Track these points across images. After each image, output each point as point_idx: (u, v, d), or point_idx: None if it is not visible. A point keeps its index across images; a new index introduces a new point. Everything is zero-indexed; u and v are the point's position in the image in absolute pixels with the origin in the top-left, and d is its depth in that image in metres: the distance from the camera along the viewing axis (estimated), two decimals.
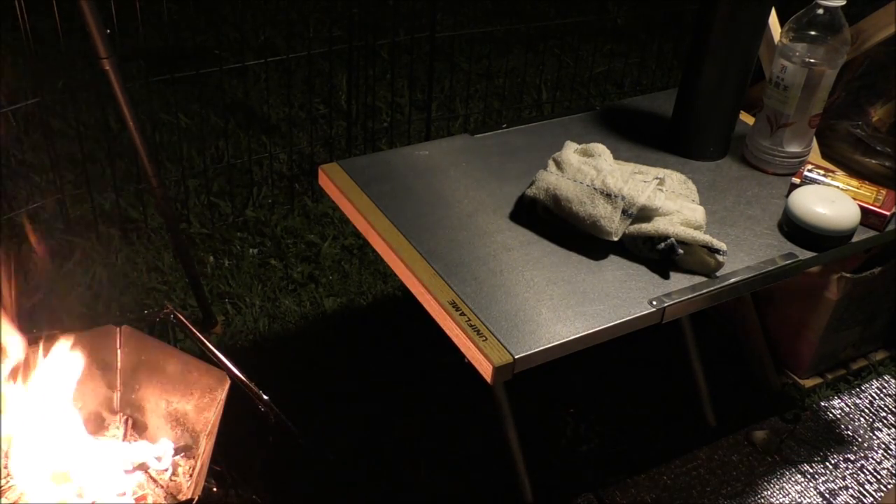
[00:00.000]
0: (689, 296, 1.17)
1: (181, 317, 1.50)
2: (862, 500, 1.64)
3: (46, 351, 1.36)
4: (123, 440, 1.39)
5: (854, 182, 1.36)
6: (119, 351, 1.40)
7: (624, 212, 1.19)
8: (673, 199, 1.25)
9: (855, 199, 1.30)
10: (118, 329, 1.39)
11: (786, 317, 1.85)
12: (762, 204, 1.36)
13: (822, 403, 1.84)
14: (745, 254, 1.25)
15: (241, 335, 1.88)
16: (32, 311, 1.84)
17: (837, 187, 1.33)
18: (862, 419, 1.81)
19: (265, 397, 1.42)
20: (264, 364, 1.76)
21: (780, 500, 1.62)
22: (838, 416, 1.81)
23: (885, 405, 1.85)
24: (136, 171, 2.10)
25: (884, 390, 1.89)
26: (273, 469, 1.54)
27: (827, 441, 1.75)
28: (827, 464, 1.70)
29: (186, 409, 1.40)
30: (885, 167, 1.74)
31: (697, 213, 1.24)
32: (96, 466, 1.30)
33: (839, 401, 1.85)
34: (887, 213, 1.30)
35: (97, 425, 1.40)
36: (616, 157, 1.33)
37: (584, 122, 1.56)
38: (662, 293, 1.16)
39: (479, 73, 2.83)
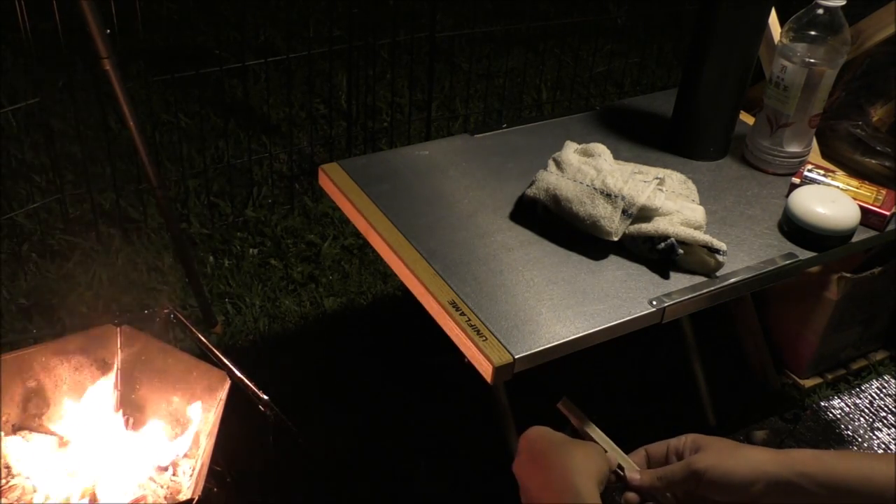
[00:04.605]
0: (689, 296, 1.17)
1: (181, 317, 1.50)
2: None
3: (50, 350, 1.37)
4: (123, 440, 1.39)
5: (854, 182, 1.36)
6: (119, 351, 1.40)
7: (624, 212, 1.19)
8: (673, 199, 1.24)
9: (855, 199, 1.30)
10: (118, 329, 1.39)
11: (786, 317, 1.85)
12: (762, 204, 1.36)
13: (822, 403, 1.84)
14: (745, 254, 1.25)
15: (241, 335, 1.88)
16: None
17: (837, 187, 1.33)
18: (862, 419, 1.81)
19: (265, 397, 1.42)
20: (264, 364, 1.76)
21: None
22: (838, 416, 1.81)
23: (885, 405, 1.85)
24: (136, 171, 2.10)
25: (884, 390, 1.89)
26: (273, 469, 1.54)
27: (827, 441, 1.75)
28: None
29: (186, 409, 1.40)
30: (885, 167, 1.74)
31: (697, 213, 1.24)
32: (96, 466, 1.30)
33: (839, 401, 1.85)
34: (887, 213, 1.30)
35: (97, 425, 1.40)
36: (616, 157, 1.33)
37: (584, 122, 1.56)
38: (662, 293, 1.16)
39: (479, 73, 2.83)
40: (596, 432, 0.90)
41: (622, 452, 0.89)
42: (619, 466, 0.88)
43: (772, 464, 0.81)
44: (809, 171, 1.37)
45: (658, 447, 0.89)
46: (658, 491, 0.86)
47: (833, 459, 0.81)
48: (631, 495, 0.87)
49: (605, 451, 0.89)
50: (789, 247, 1.27)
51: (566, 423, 0.94)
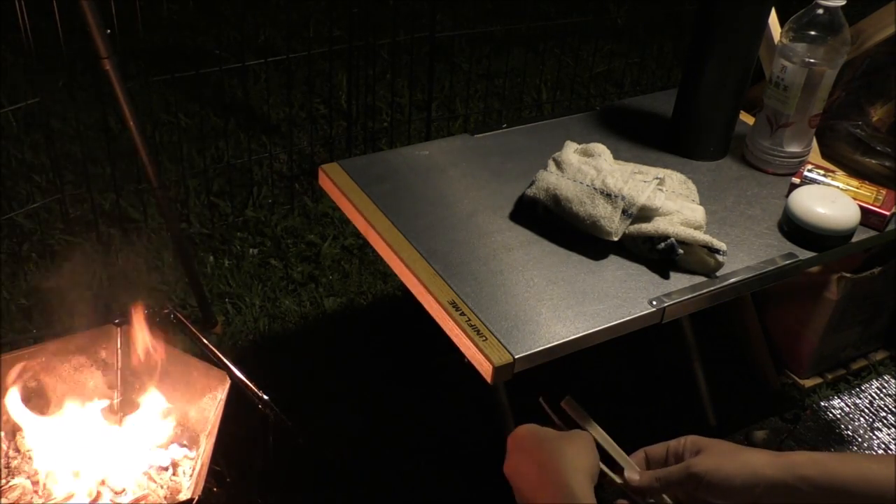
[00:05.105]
0: (689, 296, 1.17)
1: (181, 317, 1.50)
2: None
3: (50, 351, 1.37)
4: (123, 440, 1.39)
5: (854, 182, 1.36)
6: (119, 351, 1.40)
7: (624, 212, 1.19)
8: (673, 199, 1.24)
9: (855, 199, 1.30)
10: (118, 329, 1.39)
11: (786, 317, 1.85)
12: (762, 204, 1.36)
13: (822, 403, 1.84)
14: (745, 254, 1.25)
15: (241, 335, 1.88)
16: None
17: (837, 187, 1.33)
18: (862, 419, 1.81)
19: (265, 397, 1.42)
20: (264, 364, 1.76)
21: None
22: (838, 416, 1.81)
23: (885, 405, 1.85)
24: (136, 171, 2.10)
25: (884, 390, 1.89)
26: (273, 469, 1.54)
27: (827, 441, 1.75)
28: None
29: (186, 409, 1.40)
30: (885, 167, 1.74)
31: (697, 213, 1.24)
32: (96, 466, 1.31)
33: (839, 401, 1.85)
34: (887, 213, 1.30)
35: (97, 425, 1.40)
36: (616, 157, 1.33)
37: (584, 122, 1.56)
38: (662, 293, 1.16)
39: (479, 73, 2.83)
40: (598, 432, 0.90)
41: (623, 453, 0.89)
42: (616, 465, 0.88)
43: (771, 467, 0.81)
44: (809, 171, 1.37)
45: (657, 449, 0.89)
46: (656, 492, 0.86)
47: (832, 462, 0.81)
48: (622, 503, 0.87)
49: (603, 448, 0.88)
50: (789, 247, 1.28)
51: (565, 419, 0.94)
